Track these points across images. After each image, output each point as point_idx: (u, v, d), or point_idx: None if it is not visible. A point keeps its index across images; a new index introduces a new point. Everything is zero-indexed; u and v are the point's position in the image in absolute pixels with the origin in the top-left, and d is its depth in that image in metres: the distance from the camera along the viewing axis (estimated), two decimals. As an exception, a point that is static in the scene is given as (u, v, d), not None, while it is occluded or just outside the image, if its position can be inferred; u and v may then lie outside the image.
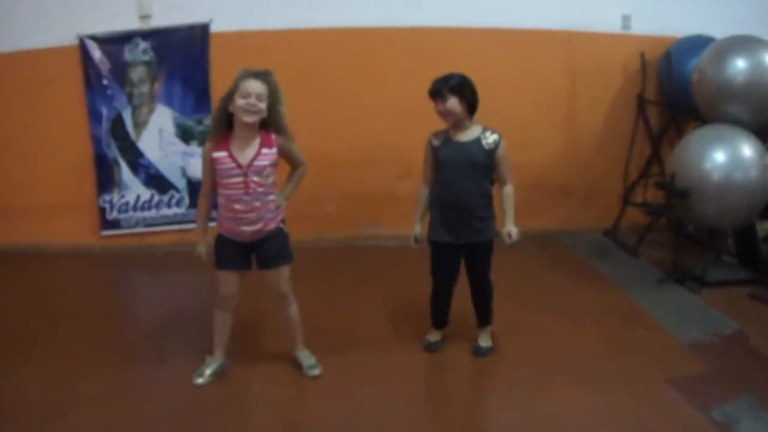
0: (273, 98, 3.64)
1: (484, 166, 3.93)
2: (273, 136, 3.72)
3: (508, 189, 4.05)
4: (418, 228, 4.18)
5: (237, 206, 3.69)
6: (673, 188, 5.33)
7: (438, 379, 4.16)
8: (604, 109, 6.59)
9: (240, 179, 3.65)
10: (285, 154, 3.80)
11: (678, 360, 4.18)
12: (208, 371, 3.99)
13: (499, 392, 3.96)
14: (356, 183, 6.41)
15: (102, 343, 4.50)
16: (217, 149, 3.66)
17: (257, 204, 3.70)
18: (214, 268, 3.89)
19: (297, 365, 4.09)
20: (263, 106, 3.59)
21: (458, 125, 3.93)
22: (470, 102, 3.89)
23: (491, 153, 3.91)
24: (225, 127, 3.66)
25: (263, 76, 3.62)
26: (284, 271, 3.92)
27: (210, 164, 3.70)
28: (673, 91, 6.06)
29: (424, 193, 4.16)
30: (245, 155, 3.65)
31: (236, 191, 3.67)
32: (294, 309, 4.04)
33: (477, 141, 3.92)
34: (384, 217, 6.49)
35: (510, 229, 3.98)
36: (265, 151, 3.68)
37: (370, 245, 6.44)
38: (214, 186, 3.78)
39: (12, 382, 3.99)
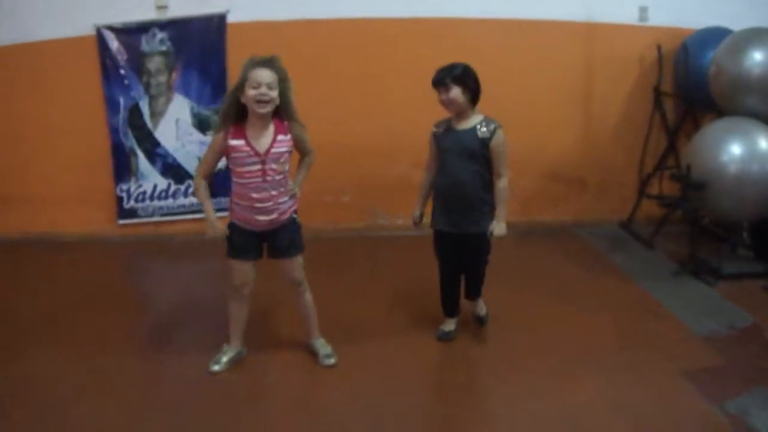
0: (282, 84, 3.61)
1: (480, 155, 3.91)
2: (285, 123, 3.70)
3: (501, 183, 3.99)
4: (417, 212, 4.24)
5: (254, 195, 3.68)
6: (689, 180, 5.32)
7: (452, 369, 4.16)
8: (620, 101, 6.58)
9: (258, 167, 3.63)
10: (296, 141, 3.78)
11: (692, 352, 4.17)
12: (224, 359, 4.01)
13: (514, 383, 3.96)
14: (371, 173, 6.43)
15: (118, 331, 4.53)
16: (234, 137, 3.63)
17: (274, 192, 3.70)
18: (227, 258, 3.90)
19: (313, 353, 4.11)
20: (274, 94, 3.56)
21: (460, 114, 3.94)
22: (473, 92, 3.90)
23: (485, 142, 3.88)
24: (236, 118, 3.64)
25: (270, 63, 3.58)
26: (297, 260, 3.93)
27: (219, 152, 3.70)
28: (690, 83, 6.04)
29: (424, 178, 4.22)
30: (262, 143, 3.64)
31: (254, 179, 3.66)
32: (308, 297, 4.05)
33: (472, 129, 3.92)
34: (399, 206, 6.49)
35: (494, 226, 3.99)
36: (280, 137, 3.67)
37: (386, 235, 6.46)
38: (214, 167, 3.80)
39: (29, 368, 4.03)
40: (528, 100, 6.23)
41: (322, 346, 4.11)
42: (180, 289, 5.39)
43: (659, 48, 6.36)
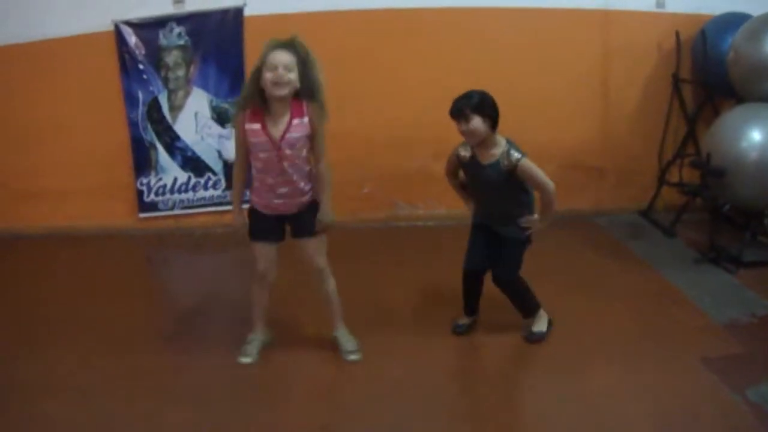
0: (304, 65, 3.54)
1: (507, 184, 3.83)
2: (304, 105, 3.60)
3: (544, 198, 3.88)
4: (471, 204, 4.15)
5: (270, 180, 3.67)
6: (708, 168, 5.30)
7: (473, 359, 4.17)
8: (638, 88, 6.54)
9: (274, 153, 3.59)
10: (312, 130, 3.64)
11: (713, 340, 4.17)
12: (254, 349, 4.02)
13: (535, 372, 3.98)
14: (391, 163, 6.42)
15: (141, 323, 4.60)
16: (251, 121, 3.60)
17: (292, 177, 3.67)
18: (250, 241, 3.89)
19: (336, 347, 4.10)
20: (293, 76, 3.50)
21: (483, 143, 3.82)
22: (493, 119, 3.76)
23: (509, 174, 3.78)
24: (257, 101, 3.58)
25: (289, 44, 3.52)
26: (321, 242, 3.87)
27: (243, 134, 3.63)
28: (709, 70, 6.00)
29: (453, 181, 4.18)
30: (278, 128, 3.58)
31: (270, 164, 3.63)
32: (332, 285, 4.01)
33: (497, 164, 3.79)
34: (420, 197, 6.52)
35: (531, 220, 3.94)
36: (296, 121, 3.59)
37: (406, 226, 6.47)
38: (248, 154, 3.70)
39: (54, 360, 4.08)
40: (546, 89, 6.21)
41: (346, 341, 4.08)
42: (201, 281, 5.43)
43: (677, 34, 6.32)
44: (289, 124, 3.59)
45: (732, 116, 5.42)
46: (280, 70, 3.46)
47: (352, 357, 4.03)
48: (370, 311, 4.58)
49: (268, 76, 3.48)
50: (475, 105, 3.72)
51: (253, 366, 3.96)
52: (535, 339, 4.21)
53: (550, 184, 3.84)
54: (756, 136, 5.13)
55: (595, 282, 5.07)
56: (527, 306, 4.26)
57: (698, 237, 5.81)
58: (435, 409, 3.58)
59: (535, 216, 3.95)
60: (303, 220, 3.81)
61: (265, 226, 3.84)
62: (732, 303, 4.65)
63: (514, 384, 3.96)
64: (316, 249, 3.88)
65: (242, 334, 4.11)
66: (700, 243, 5.65)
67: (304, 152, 3.68)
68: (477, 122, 3.71)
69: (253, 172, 3.74)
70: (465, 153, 3.93)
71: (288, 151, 3.60)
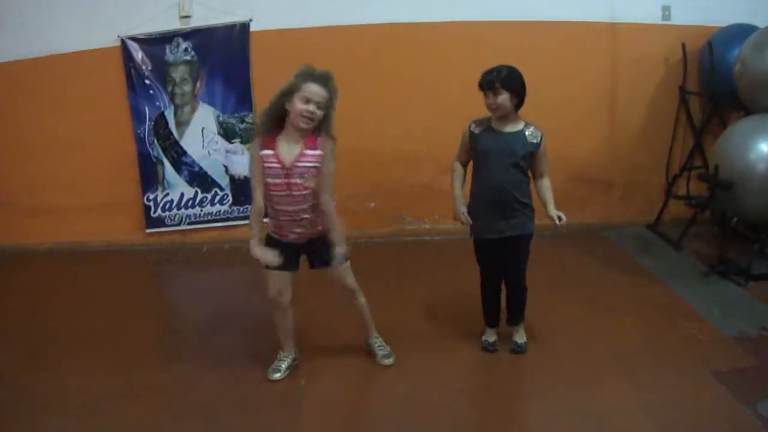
0: (329, 104, 3.54)
1: (525, 159, 3.85)
2: (318, 138, 3.59)
3: (547, 181, 3.97)
4: (464, 209, 4.00)
5: (279, 207, 3.63)
6: (716, 180, 5.28)
7: (483, 373, 4.14)
8: (645, 101, 6.54)
9: (282, 180, 3.56)
10: (323, 164, 3.61)
11: (723, 354, 4.13)
12: (284, 365, 3.99)
13: (545, 387, 3.94)
14: (398, 178, 6.42)
15: (147, 339, 4.59)
16: (264, 147, 3.57)
17: (302, 206, 3.62)
18: (261, 268, 3.82)
19: (370, 353, 4.14)
20: (321, 113, 3.50)
21: (504, 118, 3.86)
22: (520, 97, 3.81)
23: (534, 147, 3.85)
24: (276, 124, 3.58)
25: (326, 80, 3.50)
26: (344, 267, 3.83)
27: (259, 160, 3.59)
28: (715, 82, 5.99)
29: (458, 169, 4.12)
30: (289, 154, 3.56)
31: (280, 192, 3.59)
32: (362, 300, 4.03)
33: (521, 133, 3.86)
34: (426, 212, 6.51)
35: (557, 212, 3.90)
36: (308, 151, 3.57)
37: (413, 241, 6.47)
38: (265, 179, 3.64)
39: (59, 378, 4.07)
40: (553, 102, 6.19)
41: (380, 347, 4.12)
42: (208, 297, 5.42)
43: (684, 46, 6.32)
44: (302, 153, 3.57)
45: (739, 128, 5.40)
46: (312, 106, 3.46)
47: (387, 361, 4.06)
48: (378, 327, 4.54)
49: (300, 107, 3.46)
50: (505, 79, 3.77)
51: (262, 382, 3.94)
52: (523, 350, 4.21)
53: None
54: (764, 147, 5.11)
55: (603, 295, 5.05)
56: (524, 310, 4.24)
57: (706, 250, 5.79)
58: (442, 426, 3.55)
59: (554, 211, 3.93)
60: (317, 251, 3.77)
61: (282, 257, 3.75)
62: (741, 316, 4.61)
63: (522, 399, 3.93)
64: (342, 274, 3.87)
65: (250, 349, 4.11)
66: (709, 256, 5.62)
67: (314, 183, 3.62)
68: (505, 97, 3.77)
69: (268, 200, 3.69)
70: (477, 128, 3.95)
71: (297, 180, 3.57)
